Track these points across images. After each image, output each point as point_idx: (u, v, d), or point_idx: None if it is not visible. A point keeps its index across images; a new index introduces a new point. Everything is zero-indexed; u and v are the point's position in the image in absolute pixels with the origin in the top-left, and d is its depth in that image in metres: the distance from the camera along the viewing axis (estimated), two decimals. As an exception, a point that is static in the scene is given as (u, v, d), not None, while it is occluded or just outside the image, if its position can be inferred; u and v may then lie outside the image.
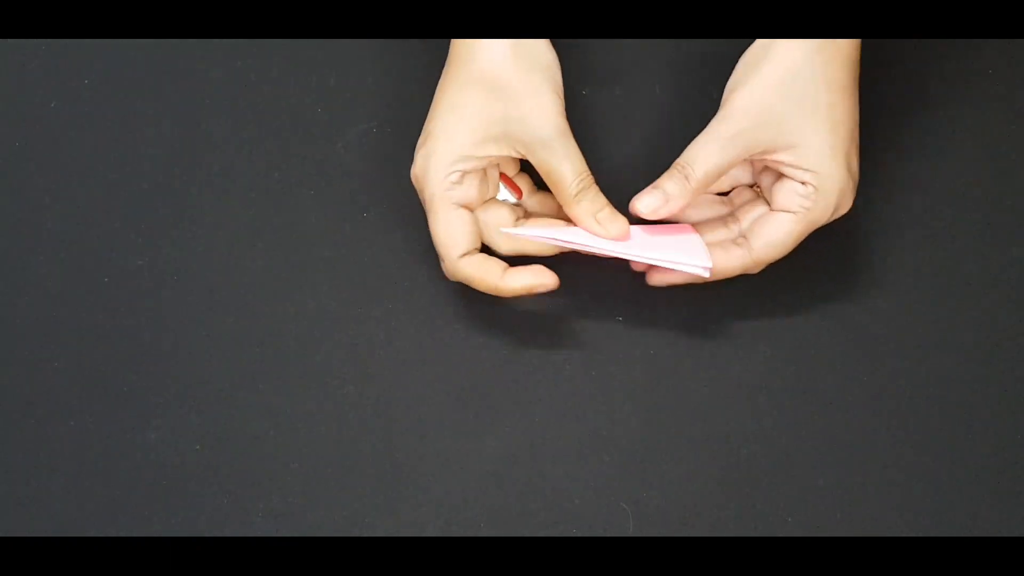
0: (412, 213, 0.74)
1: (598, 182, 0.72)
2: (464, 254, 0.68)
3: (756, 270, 0.70)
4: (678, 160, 0.68)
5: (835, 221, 0.70)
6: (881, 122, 0.76)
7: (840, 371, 0.71)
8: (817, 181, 0.67)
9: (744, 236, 0.69)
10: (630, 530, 0.68)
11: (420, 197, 0.70)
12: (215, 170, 0.76)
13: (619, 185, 0.73)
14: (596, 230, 0.68)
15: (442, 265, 0.70)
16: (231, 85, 0.78)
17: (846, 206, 0.69)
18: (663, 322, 0.72)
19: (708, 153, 0.67)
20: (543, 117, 0.67)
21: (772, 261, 0.69)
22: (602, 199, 0.69)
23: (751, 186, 0.72)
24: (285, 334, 0.72)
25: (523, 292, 0.68)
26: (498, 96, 0.67)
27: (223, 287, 0.73)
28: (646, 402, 0.70)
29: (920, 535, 0.67)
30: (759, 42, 0.68)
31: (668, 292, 0.71)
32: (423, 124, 0.70)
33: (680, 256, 0.68)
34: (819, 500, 0.68)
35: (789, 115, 0.66)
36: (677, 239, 0.69)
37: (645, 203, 0.68)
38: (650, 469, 0.69)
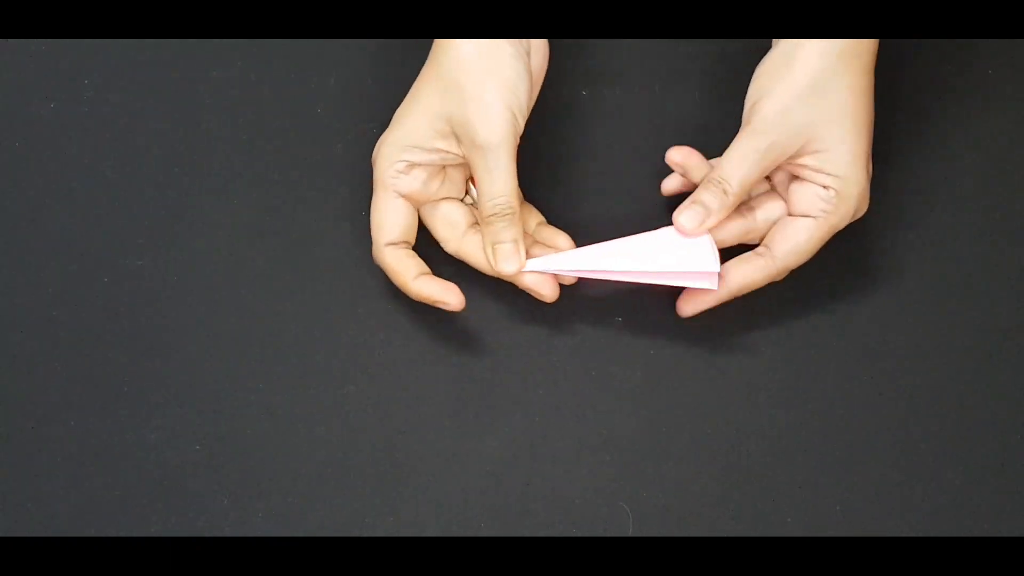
0: (412, 213, 0.74)
1: (597, 181, 0.72)
2: (389, 243, 0.69)
3: (781, 277, 0.70)
4: (713, 174, 0.68)
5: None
6: (881, 122, 0.76)
7: (840, 371, 0.71)
8: (839, 185, 0.67)
9: (766, 245, 0.69)
10: (630, 530, 0.68)
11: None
12: (215, 170, 0.76)
13: (619, 185, 0.74)
14: (485, 259, 0.69)
15: (372, 249, 0.71)
16: (231, 85, 0.78)
17: (863, 209, 0.69)
18: (663, 322, 0.72)
19: (743, 166, 0.67)
20: (484, 124, 0.67)
21: (796, 267, 0.69)
22: (511, 233, 0.68)
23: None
24: (285, 334, 0.72)
25: (428, 301, 0.69)
26: (450, 95, 0.68)
27: (223, 287, 0.73)
28: (646, 402, 0.70)
29: (920, 535, 0.67)
30: (779, 48, 0.68)
31: (668, 292, 0.71)
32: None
33: (687, 265, 0.68)
34: (819, 500, 0.68)
35: (816, 122, 0.67)
36: (685, 243, 0.69)
37: (687, 217, 0.68)
38: (650, 469, 0.69)
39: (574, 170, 0.74)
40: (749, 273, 0.69)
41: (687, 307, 0.70)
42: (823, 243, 0.69)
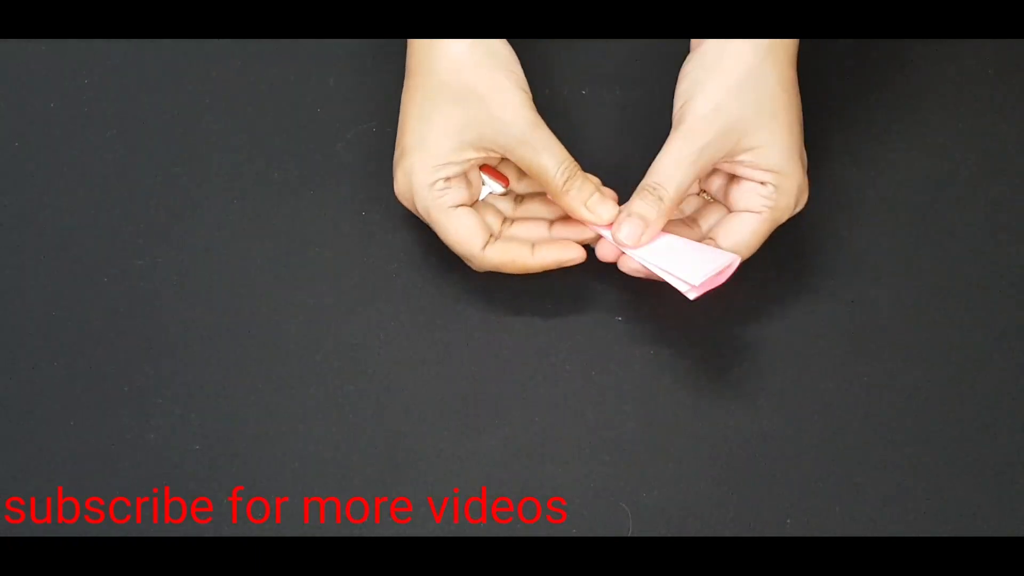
0: (412, 213, 0.74)
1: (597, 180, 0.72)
2: (485, 245, 0.69)
3: None
4: (646, 181, 0.67)
5: (838, 220, 0.70)
6: (881, 122, 0.76)
7: (840, 371, 0.71)
8: (777, 180, 0.67)
9: (710, 239, 0.69)
10: (629, 530, 0.68)
11: (414, 212, 0.70)
12: (215, 170, 0.76)
13: (619, 185, 0.73)
14: (588, 217, 0.68)
15: (468, 264, 0.70)
16: (231, 85, 0.78)
17: (803, 201, 0.69)
18: (663, 322, 0.72)
19: (677, 170, 0.66)
20: (513, 114, 0.67)
21: (742, 261, 0.68)
22: (589, 186, 0.68)
23: (698, 193, 0.72)
24: (285, 334, 0.72)
25: (554, 266, 0.69)
26: (465, 101, 0.67)
27: (223, 287, 0.73)
28: (646, 402, 0.70)
29: (920, 535, 0.67)
30: (707, 48, 0.67)
31: (668, 292, 0.71)
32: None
33: (679, 267, 0.67)
34: (819, 500, 0.68)
35: (748, 118, 0.66)
36: (692, 251, 0.68)
37: (625, 233, 0.67)
38: (650, 469, 0.69)
39: (574, 170, 0.74)
40: None
41: (629, 264, 0.68)
42: (766, 237, 0.68)
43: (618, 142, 0.76)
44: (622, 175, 0.73)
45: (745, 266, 0.70)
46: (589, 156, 0.73)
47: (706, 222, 0.70)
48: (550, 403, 0.70)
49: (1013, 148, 0.76)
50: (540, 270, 0.69)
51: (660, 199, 0.66)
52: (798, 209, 0.69)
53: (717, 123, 0.66)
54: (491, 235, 0.69)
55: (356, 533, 0.68)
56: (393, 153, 0.71)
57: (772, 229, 0.69)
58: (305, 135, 0.77)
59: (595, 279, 0.72)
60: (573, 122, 0.77)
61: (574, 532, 0.68)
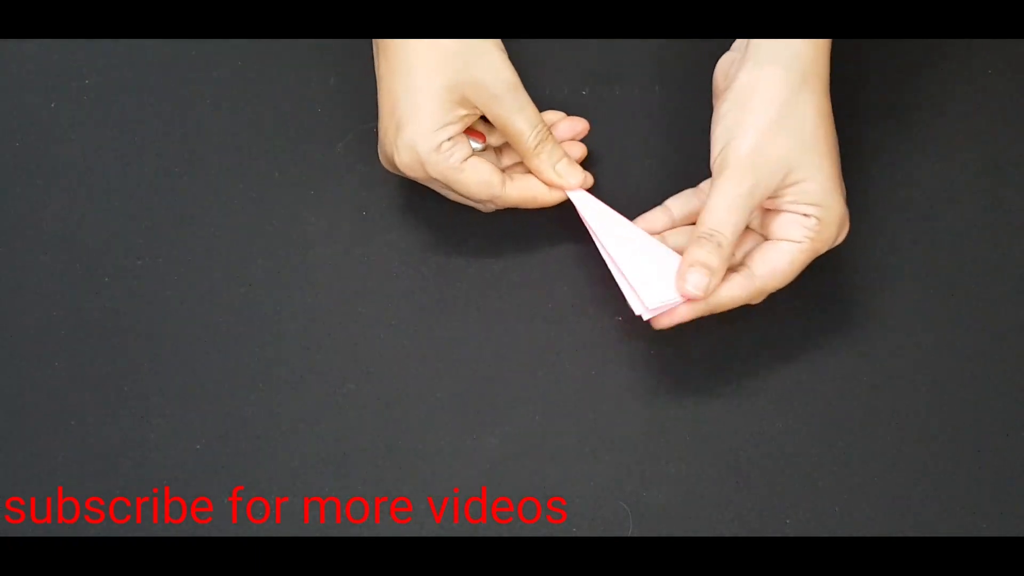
0: (411, 213, 0.74)
1: (597, 182, 0.72)
2: (502, 182, 0.70)
3: (758, 299, 0.68)
4: (702, 229, 0.65)
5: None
6: (882, 122, 0.76)
7: (840, 371, 0.71)
8: (821, 214, 0.66)
9: (746, 266, 0.67)
10: (630, 530, 0.68)
11: (423, 181, 0.70)
12: (215, 170, 0.76)
13: (619, 185, 0.73)
14: (555, 180, 0.70)
15: (489, 206, 0.71)
16: (231, 85, 0.78)
17: (844, 232, 0.68)
18: (663, 322, 0.72)
19: (733, 214, 0.65)
20: (491, 74, 0.68)
21: (775, 290, 0.68)
22: (560, 150, 0.70)
23: None
24: (285, 334, 0.72)
25: (579, 185, 0.70)
26: (445, 65, 0.68)
27: (223, 287, 0.73)
28: (646, 402, 0.70)
29: (920, 535, 0.67)
30: (739, 86, 0.66)
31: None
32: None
33: (638, 280, 0.67)
34: (818, 500, 0.68)
35: (791, 156, 0.65)
36: (658, 261, 0.67)
37: (694, 283, 0.65)
38: (650, 469, 0.69)
39: (574, 170, 0.74)
40: (727, 290, 0.66)
41: (663, 320, 0.67)
42: (804, 267, 0.67)
43: (618, 142, 0.76)
44: (622, 175, 0.73)
45: (745, 266, 0.70)
46: (589, 156, 0.74)
47: (741, 249, 0.69)
48: (550, 403, 0.70)
49: (1013, 148, 0.76)
50: (557, 201, 0.71)
51: (720, 245, 0.65)
52: (839, 241, 0.68)
53: (762, 163, 0.65)
54: (507, 177, 0.70)
55: (356, 533, 0.68)
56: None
57: (810, 260, 0.67)
58: (305, 135, 0.77)
59: (595, 279, 0.72)
60: (573, 122, 0.77)
61: (574, 532, 0.68)
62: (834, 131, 0.67)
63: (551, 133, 0.70)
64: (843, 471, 0.69)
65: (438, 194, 0.72)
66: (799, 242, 0.66)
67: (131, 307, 0.73)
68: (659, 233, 0.70)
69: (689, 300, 0.66)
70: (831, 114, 0.67)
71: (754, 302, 0.68)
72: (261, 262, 0.74)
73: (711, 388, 0.71)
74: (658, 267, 0.67)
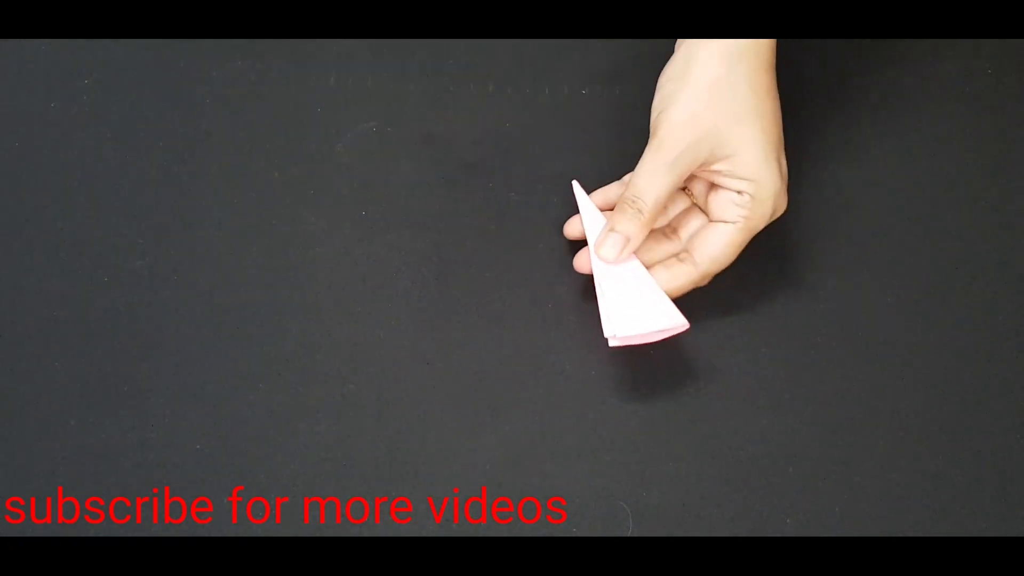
0: (411, 213, 0.74)
1: (597, 184, 0.72)
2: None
3: (705, 282, 0.70)
4: (625, 195, 0.67)
5: (840, 220, 0.69)
6: (881, 121, 0.76)
7: (839, 371, 0.71)
8: (752, 189, 0.67)
9: (687, 251, 0.69)
10: (629, 530, 0.68)
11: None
12: (215, 170, 0.76)
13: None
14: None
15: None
16: (231, 85, 0.78)
17: (782, 208, 0.68)
18: (663, 322, 0.72)
19: (655, 181, 0.66)
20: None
21: (718, 272, 0.69)
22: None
23: (682, 189, 0.72)
24: (285, 334, 0.72)
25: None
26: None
27: (223, 287, 0.73)
28: (646, 402, 0.70)
29: (920, 535, 0.67)
30: (678, 57, 0.68)
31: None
32: (422, 124, 0.70)
33: (609, 310, 0.67)
34: (818, 500, 0.68)
35: (722, 126, 0.66)
36: (640, 292, 0.68)
37: (607, 250, 0.68)
38: (650, 469, 0.69)
39: (574, 170, 0.74)
40: (670, 280, 0.69)
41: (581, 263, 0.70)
42: (743, 247, 0.68)
43: (618, 142, 0.76)
44: (622, 175, 0.73)
45: (746, 266, 0.70)
46: (589, 156, 0.74)
47: (686, 230, 0.70)
48: (550, 403, 0.70)
49: (1013, 148, 0.76)
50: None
51: (640, 211, 0.67)
52: (775, 216, 0.68)
53: (689, 132, 0.66)
54: None
55: (356, 533, 0.68)
56: (394, 151, 0.71)
57: (749, 238, 0.68)
58: (305, 135, 0.77)
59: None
60: (573, 122, 0.77)
61: (574, 532, 0.68)
62: (774, 107, 0.67)
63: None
64: (843, 471, 0.69)
65: (438, 195, 0.73)
66: (734, 222, 0.68)
67: (131, 307, 0.73)
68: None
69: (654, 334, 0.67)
70: (772, 90, 0.67)
71: (701, 285, 0.70)
72: (261, 262, 0.74)
73: (711, 388, 0.71)
74: (638, 298, 0.68)
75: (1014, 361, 0.71)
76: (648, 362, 0.71)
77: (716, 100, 0.66)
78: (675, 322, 0.67)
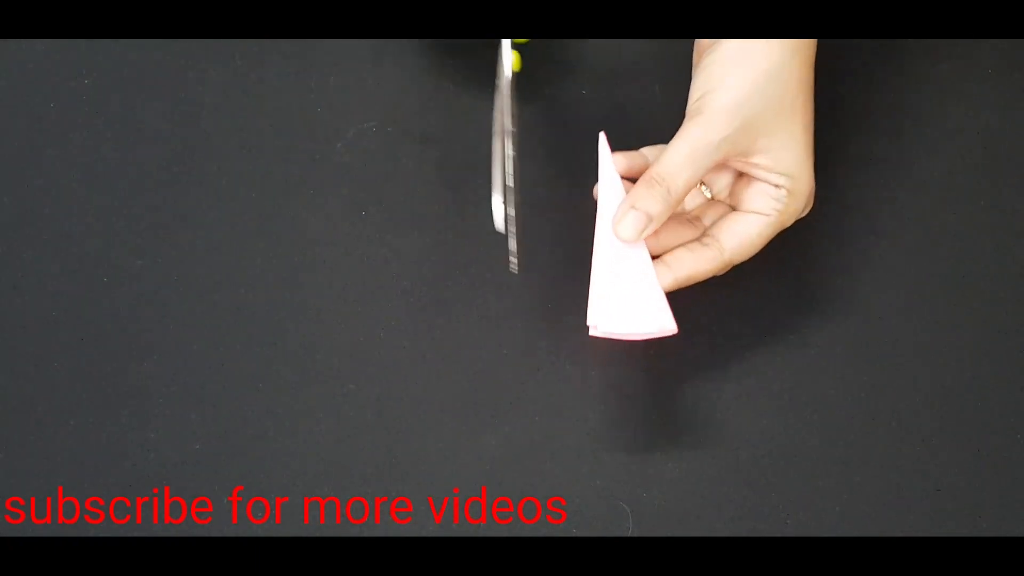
0: (411, 213, 0.74)
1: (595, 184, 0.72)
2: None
3: (723, 272, 0.67)
4: (654, 171, 0.63)
5: (840, 220, 0.69)
6: (881, 122, 0.76)
7: (840, 371, 0.71)
8: (791, 185, 0.65)
9: (713, 236, 0.67)
10: (630, 530, 0.68)
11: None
12: (215, 170, 0.76)
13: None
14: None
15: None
16: (231, 85, 0.78)
17: (810, 206, 0.68)
18: (663, 322, 0.72)
19: (692, 163, 0.63)
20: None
21: (741, 262, 0.67)
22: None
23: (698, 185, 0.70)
24: (285, 334, 0.72)
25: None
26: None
27: (223, 287, 0.73)
28: (646, 402, 0.70)
29: (920, 535, 0.67)
30: (731, 43, 0.65)
31: (667, 293, 0.71)
32: (422, 124, 0.70)
33: (598, 298, 0.65)
34: (818, 500, 0.68)
35: (769, 117, 0.64)
36: (636, 288, 0.66)
37: (626, 229, 0.63)
38: (650, 469, 0.69)
39: (574, 170, 0.74)
40: (693, 263, 0.66)
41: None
42: (770, 240, 0.67)
43: (618, 142, 0.76)
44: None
45: (746, 266, 0.70)
46: (590, 156, 0.73)
47: (708, 218, 0.69)
48: (550, 403, 0.70)
49: (1013, 148, 0.76)
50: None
51: (668, 192, 0.63)
52: (804, 214, 0.68)
53: (739, 117, 0.63)
54: None
55: (356, 533, 0.68)
56: (394, 151, 0.70)
57: (777, 232, 0.67)
58: (305, 135, 0.77)
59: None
60: (573, 122, 0.77)
61: (574, 532, 0.68)
62: (812, 105, 0.66)
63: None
64: (843, 471, 0.69)
65: (438, 195, 0.73)
66: (767, 215, 0.66)
67: (131, 307, 0.73)
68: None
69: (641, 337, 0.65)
70: (812, 88, 0.66)
71: (718, 274, 0.67)
72: (261, 262, 0.74)
73: (711, 388, 0.71)
74: (632, 294, 0.66)
75: (1014, 361, 0.71)
76: (648, 362, 0.71)
77: (769, 89, 0.63)
78: (662, 327, 0.65)
